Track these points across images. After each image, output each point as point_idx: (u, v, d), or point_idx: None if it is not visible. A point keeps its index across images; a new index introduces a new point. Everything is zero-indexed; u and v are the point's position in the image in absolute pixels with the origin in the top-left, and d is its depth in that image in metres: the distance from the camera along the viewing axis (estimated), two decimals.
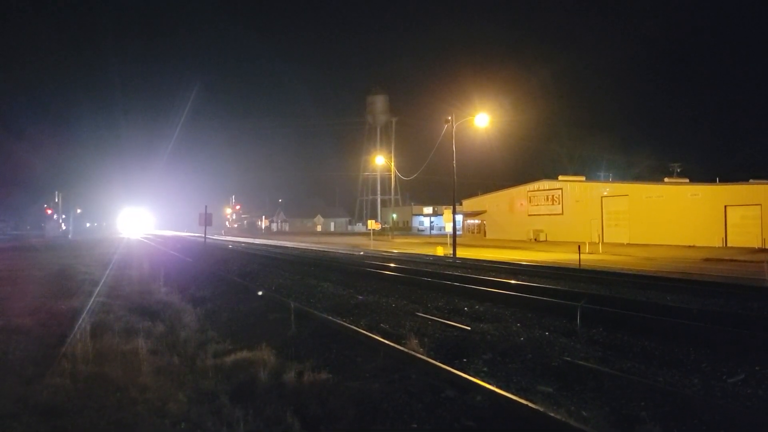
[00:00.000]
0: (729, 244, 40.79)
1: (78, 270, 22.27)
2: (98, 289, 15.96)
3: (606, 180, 65.12)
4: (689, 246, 41.41)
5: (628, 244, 45.81)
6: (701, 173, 63.15)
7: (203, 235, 39.88)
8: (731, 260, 29.47)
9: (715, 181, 48.08)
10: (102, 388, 6.84)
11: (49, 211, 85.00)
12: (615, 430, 5.68)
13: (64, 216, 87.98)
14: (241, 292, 15.90)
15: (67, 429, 5.46)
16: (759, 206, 39.68)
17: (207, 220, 35.43)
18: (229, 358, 8.28)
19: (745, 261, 28.70)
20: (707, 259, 30.16)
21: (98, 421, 5.83)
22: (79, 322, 10.17)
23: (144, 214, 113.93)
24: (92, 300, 13.54)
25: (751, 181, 46.84)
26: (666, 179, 58.42)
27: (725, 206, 42.10)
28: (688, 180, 55.27)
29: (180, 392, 6.67)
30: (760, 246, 37.99)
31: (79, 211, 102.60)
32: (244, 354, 8.41)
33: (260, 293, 14.52)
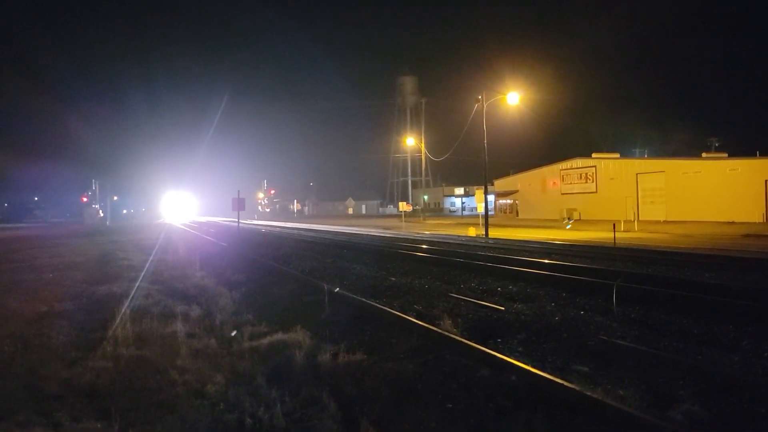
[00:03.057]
0: None
1: (117, 256, 22.79)
2: (136, 274, 16.32)
3: (641, 156, 63.81)
4: (728, 222, 40.43)
5: (665, 222, 44.94)
6: (741, 147, 61.44)
7: (236, 220, 40.41)
8: None
9: (755, 155, 46.72)
10: (142, 370, 7.01)
11: (85, 199, 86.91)
12: (652, 409, 5.61)
13: (101, 203, 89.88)
14: (275, 276, 16.07)
15: (110, 410, 5.62)
16: None
17: (240, 205, 35.76)
18: (265, 341, 8.39)
19: None
20: (747, 235, 29.40)
21: (140, 402, 5.98)
22: (119, 306, 10.42)
23: (184, 199, 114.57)
24: (130, 285, 13.85)
25: None
26: (704, 154, 56.98)
27: (766, 180, 40.91)
28: (726, 155, 53.82)
29: (218, 374, 6.79)
30: None
31: (115, 198, 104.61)
32: (280, 336, 8.51)
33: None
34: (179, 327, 9.13)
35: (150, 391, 6.33)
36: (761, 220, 39.93)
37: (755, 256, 18.47)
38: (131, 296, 12.02)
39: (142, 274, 16.20)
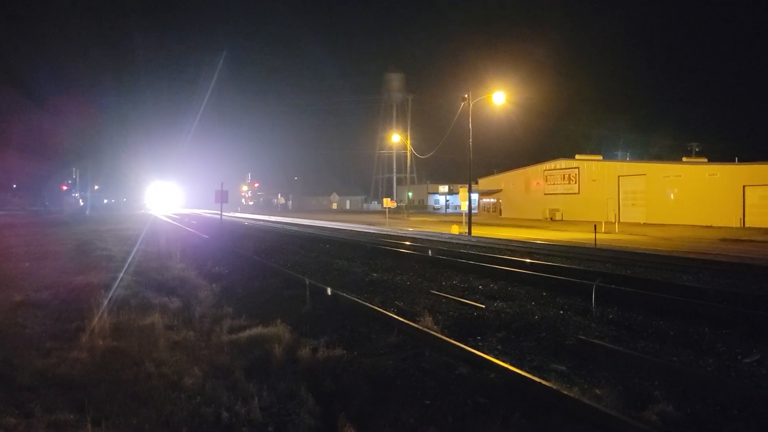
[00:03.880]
0: (747, 225, 40.25)
1: (95, 246, 22.53)
2: (115, 264, 16.14)
3: (623, 159, 64.38)
4: (706, 226, 40.94)
5: (645, 224, 45.39)
6: (720, 153, 62.28)
7: (219, 213, 40.12)
8: (749, 240, 29.09)
9: (734, 161, 47.36)
10: (119, 362, 6.94)
11: (65, 188, 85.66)
12: (628, 409, 5.66)
13: (82, 192, 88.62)
14: (256, 269, 16.00)
15: (84, 402, 5.55)
16: None
17: (223, 197, 35.46)
18: (245, 334, 8.35)
19: (763, 241, 28.32)
20: (724, 240, 29.80)
21: (115, 394, 5.91)
22: (96, 297, 10.29)
23: (169, 190, 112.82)
24: (109, 275, 13.70)
25: None
26: (684, 159, 57.64)
27: (744, 186, 41.47)
28: (706, 159, 54.48)
29: (195, 367, 6.74)
30: None
31: (96, 187, 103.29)
32: (259, 330, 8.47)
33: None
34: (157, 319, 9.04)
35: (126, 383, 6.26)
36: (738, 225, 40.48)
37: (731, 260, 18.73)
38: (109, 287, 11.88)
39: (121, 264, 16.02)
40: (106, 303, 9.89)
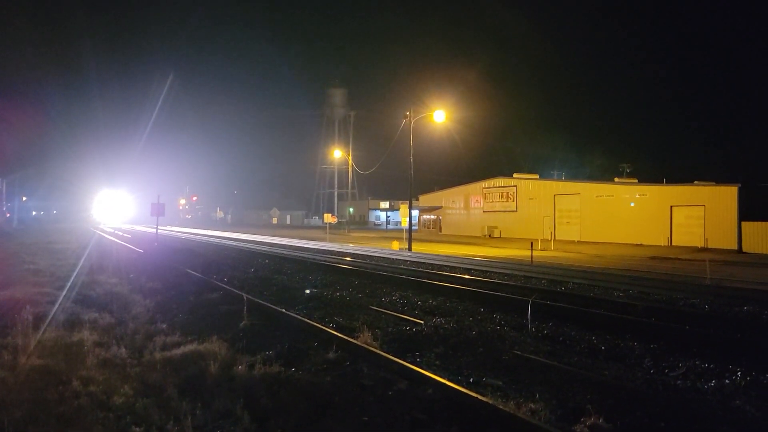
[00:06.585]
0: (674, 243, 42.07)
1: (23, 259, 21.51)
2: (41, 279, 15.44)
3: (559, 178, 66.38)
4: (637, 244, 42.56)
5: (579, 242, 46.80)
6: (649, 174, 65.27)
7: (155, 227, 39.02)
8: (676, 258, 30.41)
9: (662, 182, 49.54)
10: (43, 381, 6.62)
11: None
12: (562, 423, 5.79)
13: (8, 204, 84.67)
14: (193, 284, 15.60)
15: (4, 423, 5.26)
16: (702, 207, 41.02)
17: (159, 211, 34.42)
18: (179, 351, 8.12)
19: (688, 259, 29.66)
20: (653, 258, 31.06)
21: (38, 414, 5.63)
22: (21, 313, 9.79)
23: (109, 203, 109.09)
24: (34, 290, 13.08)
25: (695, 182, 48.42)
26: (616, 179, 59.92)
27: (671, 206, 43.39)
28: (636, 180, 56.81)
29: (126, 385, 6.50)
30: (702, 245, 39.31)
31: (24, 198, 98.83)
32: (194, 346, 8.26)
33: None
34: (86, 335, 8.69)
35: (50, 402, 5.97)
36: (666, 243, 42.27)
37: (659, 277, 19.53)
38: (35, 302, 11.34)
39: (49, 279, 15.34)
40: (31, 319, 9.40)
